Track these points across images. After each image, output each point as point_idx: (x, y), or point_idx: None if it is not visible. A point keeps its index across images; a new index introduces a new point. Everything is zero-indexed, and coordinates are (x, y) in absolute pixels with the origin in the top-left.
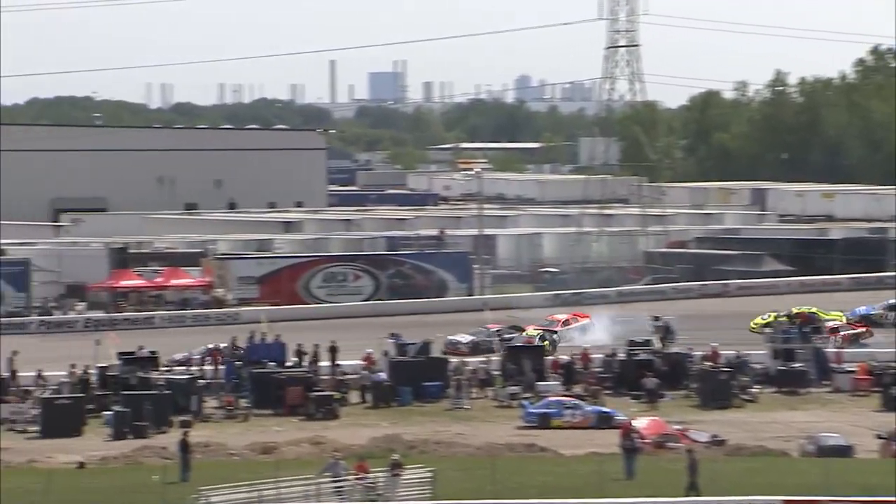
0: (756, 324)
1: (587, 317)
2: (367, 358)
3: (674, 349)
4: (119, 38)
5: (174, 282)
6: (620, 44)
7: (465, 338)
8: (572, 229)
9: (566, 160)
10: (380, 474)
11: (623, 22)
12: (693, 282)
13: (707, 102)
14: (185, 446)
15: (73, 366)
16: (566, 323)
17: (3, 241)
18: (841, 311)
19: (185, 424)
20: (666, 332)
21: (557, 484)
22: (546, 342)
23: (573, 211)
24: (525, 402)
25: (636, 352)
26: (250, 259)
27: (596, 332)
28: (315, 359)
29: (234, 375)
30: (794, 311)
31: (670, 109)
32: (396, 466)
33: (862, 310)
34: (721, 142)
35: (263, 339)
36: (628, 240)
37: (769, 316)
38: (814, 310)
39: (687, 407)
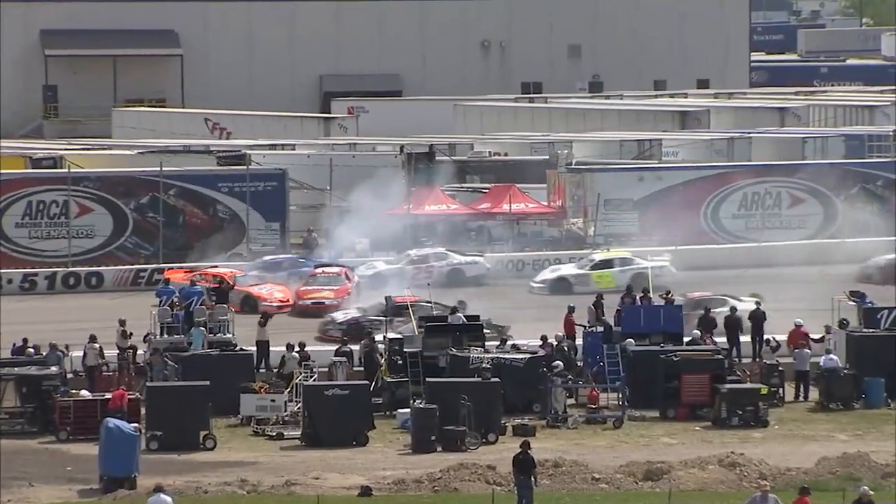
0: None
1: None
2: (797, 331)
3: None
4: None
5: (506, 207)
6: None
7: (343, 314)
8: None
9: None
10: None
11: None
12: None
13: None
14: (523, 465)
15: (373, 338)
16: None
17: (245, 142)
18: None
19: (524, 431)
20: None
21: None
22: None
23: None
24: None
25: None
26: (624, 171)
27: None
28: (734, 330)
29: (598, 356)
30: None
31: None
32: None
33: None
34: None
35: (646, 295)
36: None
37: None
38: None
39: None
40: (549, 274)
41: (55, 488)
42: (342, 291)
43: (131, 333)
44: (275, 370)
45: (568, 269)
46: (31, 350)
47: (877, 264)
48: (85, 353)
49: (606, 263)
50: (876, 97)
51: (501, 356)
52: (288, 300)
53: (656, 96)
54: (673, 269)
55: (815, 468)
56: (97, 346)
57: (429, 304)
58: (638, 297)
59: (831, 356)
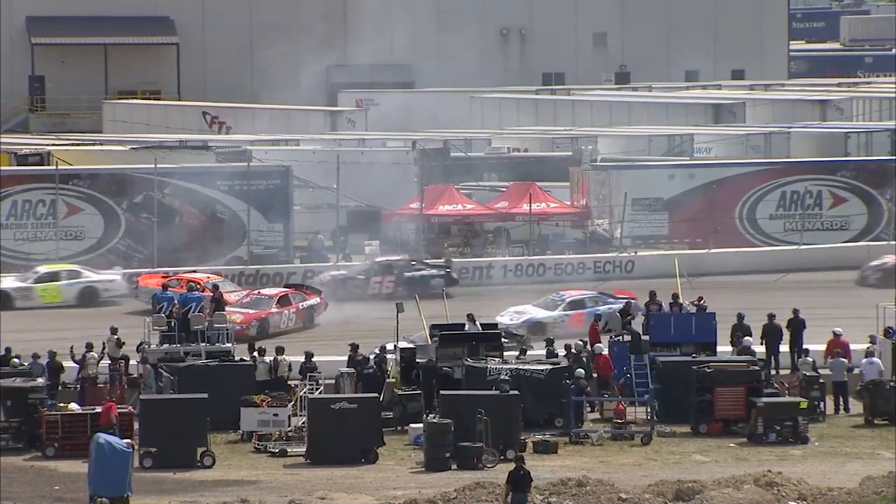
0: None
1: None
2: (836, 341)
3: None
4: None
5: (525, 207)
6: None
7: None
8: None
9: None
10: None
11: None
12: None
13: None
14: (524, 481)
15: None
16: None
17: (246, 137)
18: None
19: (545, 448)
20: None
21: None
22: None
23: None
24: None
25: None
26: (653, 168)
27: None
28: (773, 339)
29: (626, 367)
30: None
31: None
32: None
33: None
34: None
35: (677, 303)
36: None
37: None
38: None
39: None
40: None
41: None
42: (252, 317)
43: (124, 342)
44: (269, 378)
45: (9, 283)
46: (16, 360)
47: (325, 277)
48: (84, 363)
49: (52, 276)
50: None
51: (521, 367)
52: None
53: (688, 88)
54: (123, 284)
55: (858, 488)
56: (96, 354)
57: None
58: (666, 304)
59: (872, 360)
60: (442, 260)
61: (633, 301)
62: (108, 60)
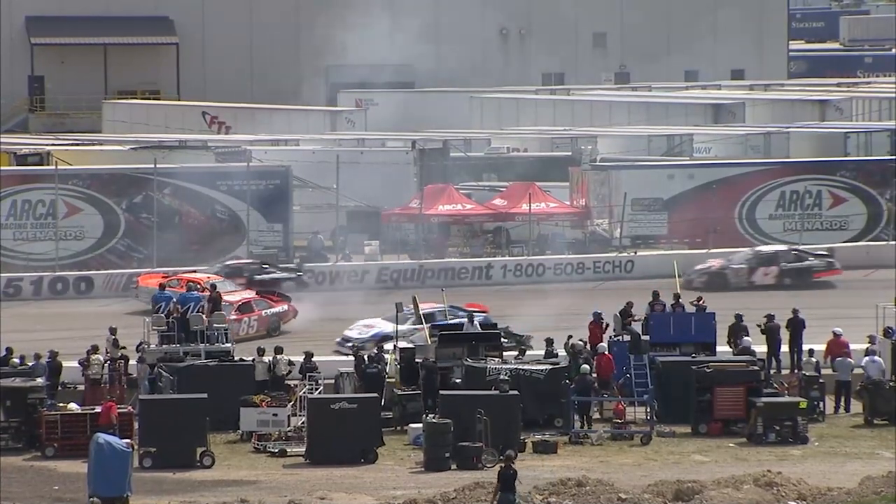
0: None
1: None
2: (836, 341)
3: None
4: None
5: (525, 207)
6: None
7: None
8: None
9: None
10: None
11: None
12: None
13: None
14: (508, 481)
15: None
16: None
17: (246, 137)
18: None
19: (545, 448)
20: None
21: None
22: None
23: None
24: None
25: None
26: (653, 168)
27: None
28: (773, 339)
29: (625, 367)
30: None
31: None
32: None
33: None
34: None
35: (679, 304)
36: None
37: None
38: None
39: None
40: None
41: None
42: None
43: (123, 346)
44: (268, 378)
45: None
46: (16, 361)
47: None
48: (88, 364)
49: None
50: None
51: (520, 367)
52: None
53: (687, 88)
54: None
55: (858, 488)
56: (101, 357)
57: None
58: (669, 305)
59: (874, 358)
60: (293, 263)
61: (485, 313)
62: (107, 60)
